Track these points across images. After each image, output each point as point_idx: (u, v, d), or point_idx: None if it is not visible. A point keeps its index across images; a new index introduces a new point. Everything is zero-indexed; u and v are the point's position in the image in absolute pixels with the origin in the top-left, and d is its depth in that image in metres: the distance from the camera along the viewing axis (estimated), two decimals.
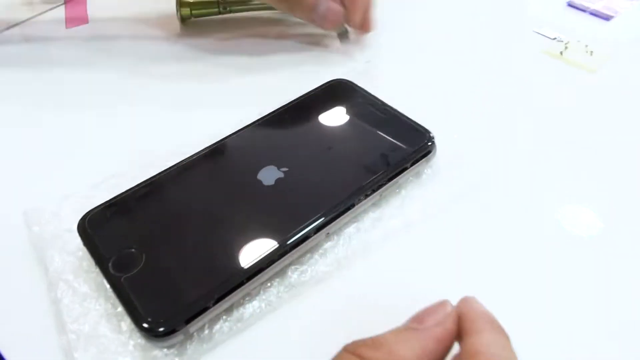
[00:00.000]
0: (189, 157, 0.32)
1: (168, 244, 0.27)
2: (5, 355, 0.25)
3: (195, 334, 0.25)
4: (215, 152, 0.32)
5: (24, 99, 0.40)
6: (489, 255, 0.29)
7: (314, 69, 0.40)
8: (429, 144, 0.32)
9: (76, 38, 0.46)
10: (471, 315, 0.21)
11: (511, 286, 0.28)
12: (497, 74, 0.40)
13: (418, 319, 0.21)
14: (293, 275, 0.28)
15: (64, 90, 0.41)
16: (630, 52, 0.42)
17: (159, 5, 0.48)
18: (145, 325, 0.24)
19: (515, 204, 0.31)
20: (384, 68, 0.41)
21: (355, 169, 0.31)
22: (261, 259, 0.26)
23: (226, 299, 0.25)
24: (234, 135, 0.33)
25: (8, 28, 0.47)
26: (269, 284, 0.27)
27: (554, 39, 0.43)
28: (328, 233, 0.29)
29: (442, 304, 0.22)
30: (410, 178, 0.32)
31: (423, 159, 0.32)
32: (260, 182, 0.30)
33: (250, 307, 0.27)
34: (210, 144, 0.33)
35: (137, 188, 0.30)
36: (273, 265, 0.27)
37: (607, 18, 0.45)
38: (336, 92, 0.36)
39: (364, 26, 0.42)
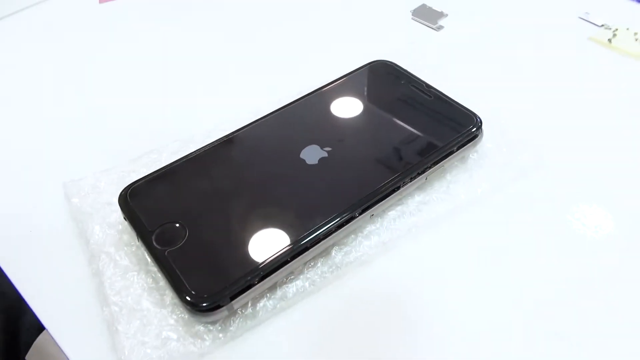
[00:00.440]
0: (230, 134, 0.31)
1: (211, 219, 0.27)
2: (47, 327, 0.25)
3: (239, 311, 0.25)
4: (257, 130, 0.32)
5: (64, 74, 0.40)
6: (532, 245, 0.28)
7: (353, 50, 0.39)
8: (476, 128, 0.31)
9: (109, 13, 0.46)
10: None
11: (552, 275, 0.27)
12: (543, 60, 0.39)
13: None
14: (337, 255, 0.27)
15: (103, 67, 0.40)
16: None
17: None
18: (189, 299, 0.23)
19: (559, 195, 0.30)
20: (429, 51, 0.40)
21: (400, 151, 0.30)
22: (305, 238, 0.26)
23: (271, 276, 0.25)
24: (275, 114, 0.33)
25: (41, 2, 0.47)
26: (312, 264, 0.27)
27: (602, 25, 0.41)
28: (372, 214, 0.28)
29: None
30: (456, 162, 0.31)
31: (469, 143, 0.31)
32: (303, 161, 0.30)
33: (294, 286, 0.26)
34: (250, 121, 0.32)
35: (179, 162, 0.30)
36: (317, 245, 0.26)
37: None
38: (379, 72, 0.36)
39: None
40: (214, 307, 0.23)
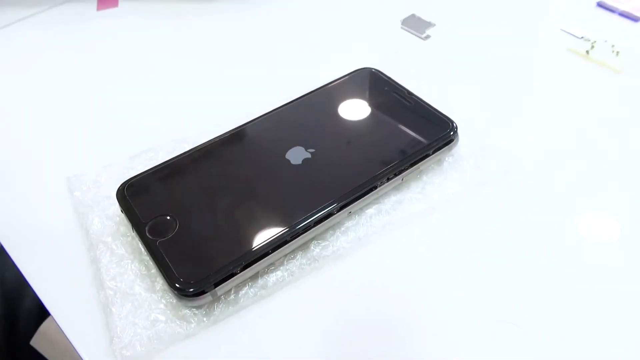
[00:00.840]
0: (221, 135, 0.34)
1: (200, 213, 0.29)
2: (49, 308, 0.27)
3: (222, 297, 0.27)
4: (246, 132, 0.34)
5: (67, 74, 0.42)
6: (498, 243, 0.30)
7: (343, 57, 0.42)
8: (452, 133, 0.34)
9: (108, 19, 0.48)
10: None
11: (522, 274, 0.29)
12: (522, 69, 0.41)
13: None
14: (315, 249, 0.30)
15: (104, 69, 0.43)
16: None
17: None
18: (177, 285, 0.26)
19: (529, 197, 0.33)
20: (414, 59, 0.42)
21: (379, 153, 0.33)
22: (286, 232, 0.28)
23: (252, 266, 0.27)
24: (265, 117, 0.35)
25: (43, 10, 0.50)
26: (292, 256, 0.29)
27: (581, 37, 0.43)
28: (350, 212, 0.30)
29: None
30: (432, 165, 0.34)
31: (445, 147, 0.33)
32: (288, 161, 0.32)
33: (274, 276, 0.28)
34: (241, 124, 0.35)
35: (172, 160, 0.32)
36: (297, 238, 0.28)
37: (636, 19, 0.45)
38: (364, 79, 0.38)
39: None
40: (199, 293, 0.26)
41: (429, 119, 0.35)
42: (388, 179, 0.31)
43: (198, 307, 0.27)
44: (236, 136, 0.34)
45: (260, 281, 0.28)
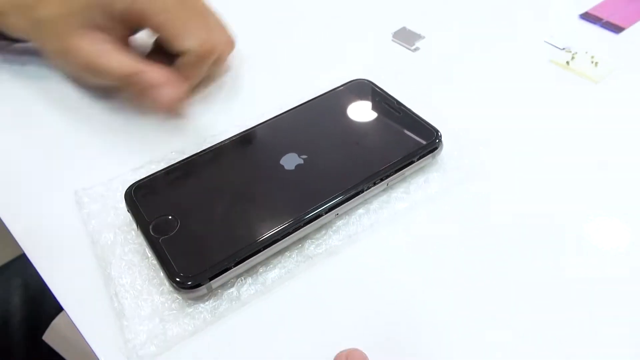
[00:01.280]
0: (220, 142, 0.36)
1: (200, 213, 0.32)
2: (68, 311, 0.30)
3: (224, 295, 0.30)
4: (244, 140, 0.37)
5: (73, 92, 0.44)
6: (483, 240, 0.33)
7: (337, 68, 0.44)
8: (437, 141, 0.36)
9: None
10: None
11: (493, 266, 0.31)
12: (504, 79, 0.44)
13: None
14: (310, 247, 0.32)
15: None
16: (635, 65, 0.44)
17: None
18: (177, 279, 0.29)
19: (506, 195, 0.35)
20: (402, 70, 0.45)
21: (367, 160, 0.35)
22: (276, 232, 0.31)
23: (245, 262, 0.30)
24: (261, 125, 0.38)
25: None
26: (288, 254, 0.32)
27: (563, 49, 0.46)
28: (337, 214, 0.33)
29: None
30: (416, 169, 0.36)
31: (429, 155, 0.36)
32: (282, 166, 0.35)
33: (273, 274, 0.31)
34: (237, 132, 0.37)
35: (175, 166, 0.35)
36: (287, 238, 0.31)
37: (616, 31, 0.48)
38: (356, 90, 0.40)
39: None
40: (195, 285, 0.28)
41: (415, 128, 0.37)
42: (374, 184, 0.34)
43: (196, 299, 0.29)
44: (233, 144, 0.36)
45: (260, 279, 0.31)
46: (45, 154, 0.39)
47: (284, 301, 0.30)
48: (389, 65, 0.45)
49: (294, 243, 0.32)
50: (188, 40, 0.38)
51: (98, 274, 0.31)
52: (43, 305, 0.55)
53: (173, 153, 0.37)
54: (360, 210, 0.34)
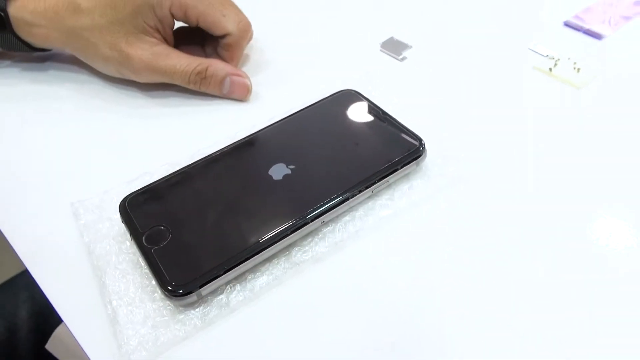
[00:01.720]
0: (211, 154, 0.38)
1: (190, 223, 0.33)
2: (63, 317, 0.31)
3: (214, 301, 0.31)
4: (233, 151, 0.38)
5: (69, 107, 0.45)
6: (465, 242, 0.34)
7: (326, 78, 0.45)
8: (420, 148, 0.37)
9: None
10: None
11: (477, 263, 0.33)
12: (489, 86, 0.45)
13: None
14: (297, 254, 0.33)
15: (106, 98, 0.46)
16: (616, 71, 0.45)
17: None
18: (169, 287, 0.30)
19: (488, 199, 0.36)
20: (388, 79, 0.46)
21: (353, 168, 0.36)
22: (263, 240, 0.32)
23: (233, 270, 0.31)
24: (250, 137, 0.39)
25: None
26: (276, 262, 0.33)
27: (546, 56, 0.47)
28: (324, 221, 0.34)
29: None
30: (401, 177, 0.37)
31: (413, 162, 0.37)
32: (270, 176, 0.36)
33: (261, 281, 0.32)
34: (227, 144, 0.38)
35: (167, 177, 0.36)
36: (274, 245, 0.32)
37: (599, 38, 0.49)
38: (343, 100, 0.42)
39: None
40: (186, 293, 0.30)
41: (400, 137, 0.38)
42: (359, 191, 0.35)
43: (187, 306, 0.31)
44: (223, 155, 0.38)
45: (248, 285, 0.32)
46: (44, 167, 0.40)
47: (272, 307, 0.32)
48: (377, 74, 0.46)
49: (282, 250, 0.33)
50: (227, 23, 0.43)
51: (94, 283, 0.33)
52: (49, 318, 0.57)
53: (166, 165, 0.38)
54: (346, 218, 0.35)
